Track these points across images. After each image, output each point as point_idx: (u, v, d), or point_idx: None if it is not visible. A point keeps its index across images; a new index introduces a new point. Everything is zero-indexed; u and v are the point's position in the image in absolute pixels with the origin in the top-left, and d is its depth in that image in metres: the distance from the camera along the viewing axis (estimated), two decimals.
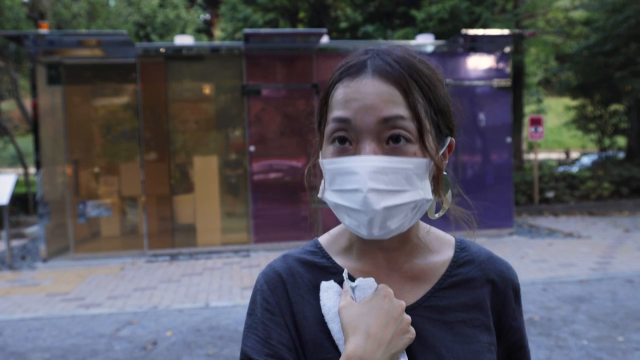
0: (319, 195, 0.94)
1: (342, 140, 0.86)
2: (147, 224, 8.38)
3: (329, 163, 0.88)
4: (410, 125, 0.85)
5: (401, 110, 0.84)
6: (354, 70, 0.88)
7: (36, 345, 4.74)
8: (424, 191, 0.87)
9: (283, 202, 8.61)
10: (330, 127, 0.88)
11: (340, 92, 0.87)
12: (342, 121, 0.86)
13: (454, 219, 0.97)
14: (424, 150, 0.86)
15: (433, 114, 0.88)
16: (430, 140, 0.87)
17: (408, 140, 0.85)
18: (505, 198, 9.22)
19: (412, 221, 0.89)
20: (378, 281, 0.93)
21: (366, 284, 0.90)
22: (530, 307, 5.35)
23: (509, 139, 9.22)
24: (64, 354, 4.51)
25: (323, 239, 1.02)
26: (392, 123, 0.84)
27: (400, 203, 0.84)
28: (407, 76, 0.86)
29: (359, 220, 0.85)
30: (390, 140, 0.85)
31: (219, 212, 8.64)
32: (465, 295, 0.95)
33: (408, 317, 0.89)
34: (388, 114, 0.84)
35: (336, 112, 0.87)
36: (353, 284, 0.90)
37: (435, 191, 0.91)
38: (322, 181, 0.92)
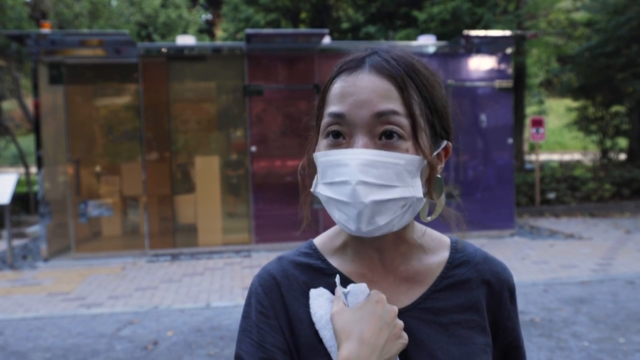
0: (312, 189, 0.93)
1: (336, 134, 0.87)
2: (148, 223, 8.38)
3: (321, 156, 0.88)
4: (404, 121, 0.85)
5: (396, 105, 0.85)
6: (352, 66, 0.89)
7: (37, 344, 4.74)
8: (415, 189, 0.86)
9: (284, 203, 8.61)
10: (325, 121, 0.89)
11: (337, 87, 0.88)
12: (337, 116, 0.86)
13: (446, 220, 0.97)
14: (417, 148, 0.86)
15: (429, 113, 0.89)
16: (424, 139, 0.87)
17: (401, 137, 0.85)
18: (507, 199, 9.22)
19: (402, 220, 0.88)
20: (373, 283, 0.93)
21: (358, 290, 0.89)
22: (531, 309, 5.34)
23: (510, 140, 9.21)
24: (65, 353, 4.51)
25: (318, 240, 1.02)
26: (386, 118, 0.84)
27: (389, 198, 0.83)
28: (403, 73, 0.86)
29: (348, 214, 0.85)
30: (383, 136, 0.85)
31: (220, 212, 8.64)
32: (460, 296, 0.95)
33: (401, 323, 0.88)
34: (382, 109, 0.84)
35: (332, 107, 0.88)
36: (345, 290, 0.89)
37: (427, 193, 0.91)
38: (316, 176, 0.92)
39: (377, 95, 0.85)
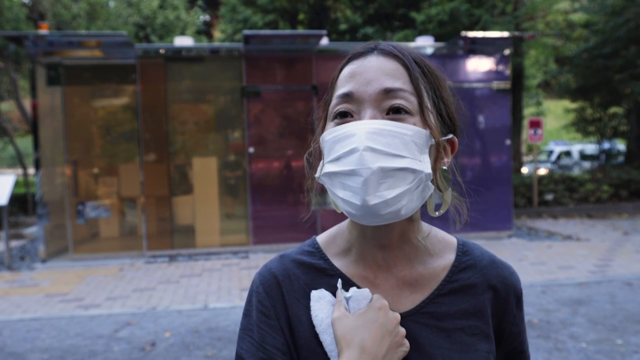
0: (316, 176, 0.92)
1: (344, 114, 0.88)
2: (146, 225, 8.38)
3: (329, 134, 0.87)
4: (411, 98, 0.86)
5: (403, 83, 0.87)
6: (362, 51, 0.91)
7: (35, 345, 4.73)
8: (423, 164, 0.84)
9: (282, 204, 8.61)
10: (333, 103, 0.90)
11: (345, 71, 0.91)
12: (345, 95, 0.88)
13: (452, 210, 0.96)
14: (424, 124, 0.87)
15: (435, 97, 0.90)
16: (430, 118, 0.88)
17: (408, 112, 0.86)
18: (504, 200, 9.22)
19: (411, 203, 0.85)
20: (376, 285, 0.92)
21: (361, 295, 0.88)
22: (529, 310, 5.35)
23: (508, 142, 9.22)
24: (62, 354, 4.50)
25: (321, 239, 1.00)
26: (393, 94, 0.86)
27: (397, 167, 0.81)
28: (411, 59, 0.89)
29: (353, 187, 0.82)
30: (390, 111, 0.86)
31: (218, 214, 8.63)
32: (465, 301, 0.93)
33: (403, 330, 0.87)
34: (389, 86, 0.86)
35: (340, 89, 0.89)
36: (347, 295, 0.88)
37: (435, 184, 0.90)
38: (321, 162, 0.91)
39: (385, 73, 0.87)
